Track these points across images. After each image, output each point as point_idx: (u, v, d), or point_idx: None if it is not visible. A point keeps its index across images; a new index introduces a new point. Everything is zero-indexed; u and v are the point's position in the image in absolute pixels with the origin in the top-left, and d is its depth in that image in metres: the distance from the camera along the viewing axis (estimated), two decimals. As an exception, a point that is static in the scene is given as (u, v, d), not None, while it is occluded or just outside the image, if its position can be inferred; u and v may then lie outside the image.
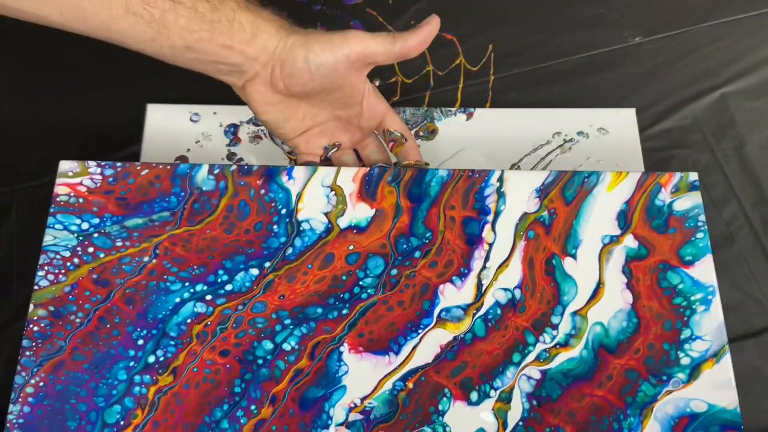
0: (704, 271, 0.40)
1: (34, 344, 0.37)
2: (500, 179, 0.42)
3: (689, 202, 0.42)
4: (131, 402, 0.36)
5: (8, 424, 0.35)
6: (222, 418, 0.36)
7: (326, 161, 0.45)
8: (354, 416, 0.36)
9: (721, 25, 0.56)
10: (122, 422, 0.35)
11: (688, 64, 0.55)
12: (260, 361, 0.37)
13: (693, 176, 0.42)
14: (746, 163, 0.51)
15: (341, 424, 0.36)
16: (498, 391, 0.37)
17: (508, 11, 0.56)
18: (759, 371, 0.45)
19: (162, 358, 0.37)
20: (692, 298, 0.39)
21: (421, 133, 0.51)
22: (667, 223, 0.41)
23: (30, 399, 0.36)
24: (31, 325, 0.37)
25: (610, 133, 0.51)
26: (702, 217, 0.41)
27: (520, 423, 0.36)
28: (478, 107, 0.52)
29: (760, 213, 0.50)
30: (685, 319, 0.39)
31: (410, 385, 0.37)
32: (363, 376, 0.37)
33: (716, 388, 0.37)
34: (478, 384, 0.37)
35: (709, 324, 0.38)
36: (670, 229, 0.41)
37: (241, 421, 0.36)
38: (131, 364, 0.37)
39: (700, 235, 0.41)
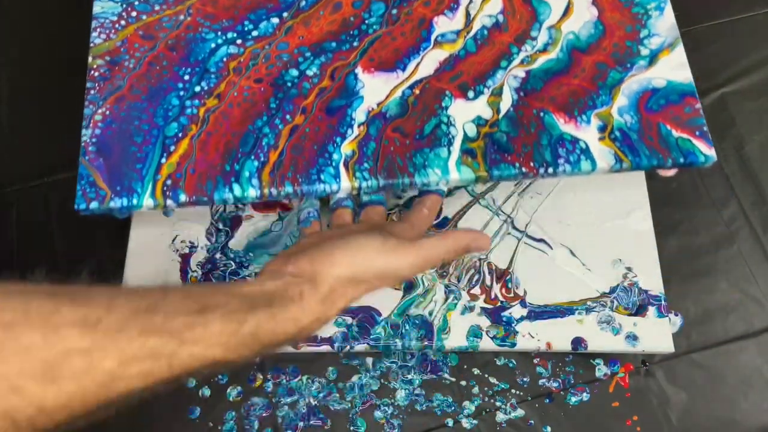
0: (657, -14, 0.47)
1: (96, 85, 0.44)
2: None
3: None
4: (185, 120, 0.43)
5: (83, 144, 0.42)
6: (263, 126, 0.43)
7: None
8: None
9: (721, 25, 0.56)
10: (180, 134, 0.42)
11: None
12: (289, 84, 0.44)
13: None
14: (746, 163, 0.52)
15: (363, 123, 0.43)
16: (490, 89, 0.44)
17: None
18: (759, 371, 0.46)
19: (206, 87, 0.44)
20: (648, 6, 0.46)
21: None
22: (624, -46, 0.48)
23: (99, 124, 0.42)
24: (92, 71, 0.44)
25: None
26: None
27: (511, 109, 0.43)
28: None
29: (759, 213, 0.50)
30: (643, 22, 0.46)
31: (417, 91, 0.44)
32: (377, 88, 0.44)
33: (672, 69, 0.44)
34: (473, 85, 0.44)
35: (663, 24, 0.45)
36: (628, -41, 0.48)
37: (279, 127, 0.43)
38: (181, 93, 0.44)
39: (654, -40, 0.48)
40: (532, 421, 0.46)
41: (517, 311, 0.46)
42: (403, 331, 0.45)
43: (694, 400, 0.46)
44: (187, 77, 0.44)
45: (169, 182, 0.41)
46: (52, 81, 0.55)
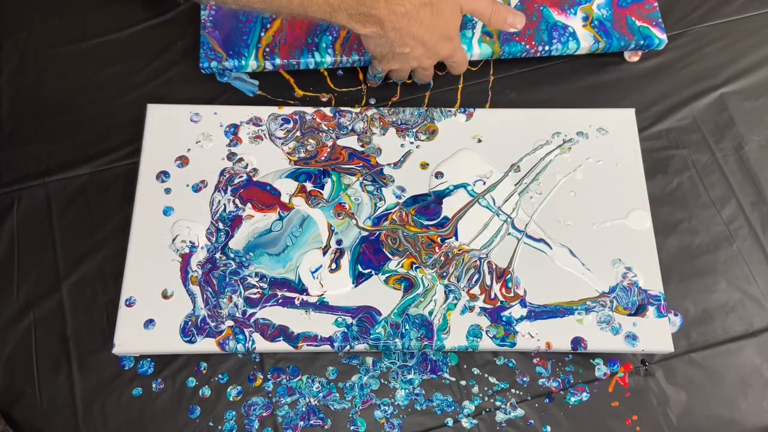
0: None
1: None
2: None
3: None
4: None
5: (203, 21, 0.54)
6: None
7: None
8: None
9: (720, 25, 0.56)
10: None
11: (688, 64, 0.55)
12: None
13: None
14: (745, 162, 0.52)
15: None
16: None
17: (507, 11, 0.57)
18: (759, 371, 0.46)
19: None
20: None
21: (421, 133, 0.52)
22: None
23: (214, 7, 0.54)
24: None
25: (609, 133, 0.52)
26: None
27: (518, 3, 0.55)
28: (478, 107, 0.52)
29: (759, 213, 0.50)
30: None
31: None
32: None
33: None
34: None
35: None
36: None
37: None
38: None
39: None
40: (532, 421, 0.46)
41: (516, 311, 0.46)
42: (403, 330, 0.45)
43: (694, 400, 0.46)
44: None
45: (267, 50, 0.54)
46: (53, 81, 0.55)
